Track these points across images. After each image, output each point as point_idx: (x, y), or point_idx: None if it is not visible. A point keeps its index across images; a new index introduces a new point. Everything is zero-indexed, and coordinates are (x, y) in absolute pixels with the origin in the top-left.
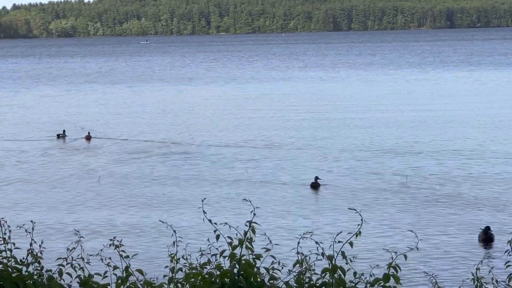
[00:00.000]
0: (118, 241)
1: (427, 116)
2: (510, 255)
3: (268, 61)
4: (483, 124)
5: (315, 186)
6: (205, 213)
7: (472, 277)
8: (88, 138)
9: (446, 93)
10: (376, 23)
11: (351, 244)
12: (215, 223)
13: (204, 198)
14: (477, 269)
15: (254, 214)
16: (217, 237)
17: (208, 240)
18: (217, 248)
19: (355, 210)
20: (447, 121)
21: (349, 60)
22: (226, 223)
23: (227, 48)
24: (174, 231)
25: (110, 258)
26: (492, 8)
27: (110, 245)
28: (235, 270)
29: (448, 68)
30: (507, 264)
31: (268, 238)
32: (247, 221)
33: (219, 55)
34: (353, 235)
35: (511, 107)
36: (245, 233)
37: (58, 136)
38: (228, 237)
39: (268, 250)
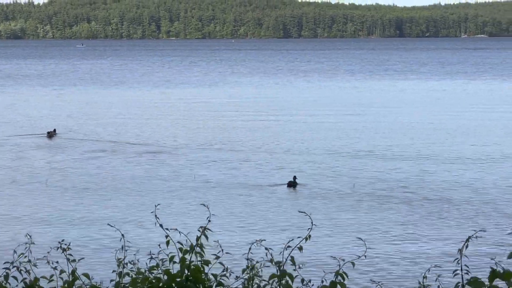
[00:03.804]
0: (66, 244)
1: (341, 122)
2: (458, 263)
3: (211, 66)
4: (417, 129)
5: (291, 185)
6: (158, 218)
7: (419, 285)
8: (51, 135)
9: (366, 100)
10: (326, 31)
11: (300, 249)
12: (167, 229)
13: (158, 204)
14: (424, 277)
15: (209, 221)
16: (167, 242)
17: (159, 246)
18: (167, 255)
19: (305, 213)
20: (365, 128)
21: (294, 67)
22: (176, 229)
23: (173, 53)
24: (123, 235)
25: (57, 262)
26: (441, 18)
27: (57, 248)
28: (184, 276)
29: (377, 77)
30: (455, 272)
31: (220, 246)
32: (200, 227)
33: (163, 59)
34: (302, 239)
35: (418, 114)
36: (198, 238)
37: (49, 133)
38: (178, 242)
39: (218, 257)
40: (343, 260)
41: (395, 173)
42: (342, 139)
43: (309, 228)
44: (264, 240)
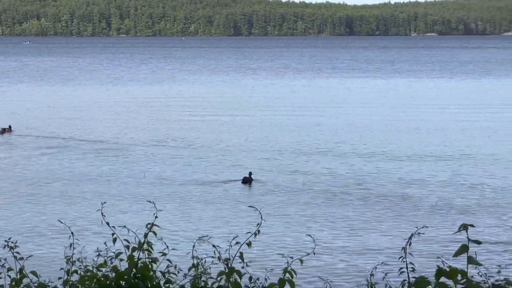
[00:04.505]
0: (13, 242)
1: (288, 120)
2: (404, 261)
3: (160, 64)
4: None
5: (246, 180)
6: (104, 216)
7: (366, 283)
8: (3, 132)
9: (315, 98)
10: (276, 29)
11: (249, 245)
12: (113, 227)
13: (104, 202)
14: (371, 275)
15: (156, 217)
16: (114, 240)
17: (105, 244)
18: (113, 252)
19: (255, 208)
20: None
21: (243, 65)
22: (125, 226)
23: (123, 51)
24: (72, 233)
25: (5, 260)
26: (391, 17)
27: (4, 246)
28: (131, 273)
29: (326, 75)
30: (401, 270)
31: (165, 243)
32: (148, 224)
33: (112, 56)
34: (251, 235)
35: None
36: (146, 235)
37: (3, 129)
38: (125, 240)
39: (164, 254)
40: (291, 257)
41: (348, 170)
42: (294, 136)
43: (258, 223)
44: (207, 236)
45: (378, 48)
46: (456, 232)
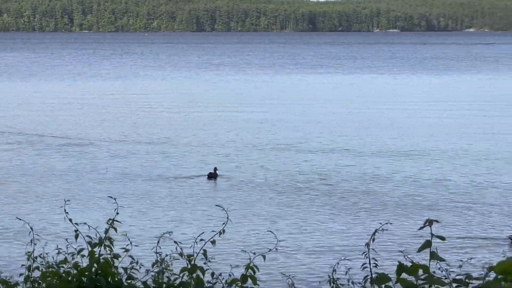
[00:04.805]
0: None
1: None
2: (367, 257)
3: (123, 60)
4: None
5: (212, 176)
6: (67, 213)
7: (329, 278)
8: None
9: (277, 94)
10: (239, 24)
11: (213, 243)
12: (76, 224)
13: (68, 200)
14: (333, 270)
15: (118, 213)
16: (76, 236)
17: (66, 240)
18: (75, 248)
19: (222, 207)
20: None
21: (206, 61)
22: (85, 223)
23: (85, 46)
24: (31, 228)
25: None
26: (353, 13)
27: None
28: (93, 269)
29: (288, 71)
30: (364, 266)
31: (129, 239)
32: (109, 219)
33: (75, 52)
34: (216, 233)
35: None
36: (106, 231)
37: None
38: (87, 236)
39: (127, 250)
40: (254, 253)
41: (311, 166)
42: (257, 132)
43: (223, 223)
44: (172, 232)
45: (341, 44)
46: (421, 227)
